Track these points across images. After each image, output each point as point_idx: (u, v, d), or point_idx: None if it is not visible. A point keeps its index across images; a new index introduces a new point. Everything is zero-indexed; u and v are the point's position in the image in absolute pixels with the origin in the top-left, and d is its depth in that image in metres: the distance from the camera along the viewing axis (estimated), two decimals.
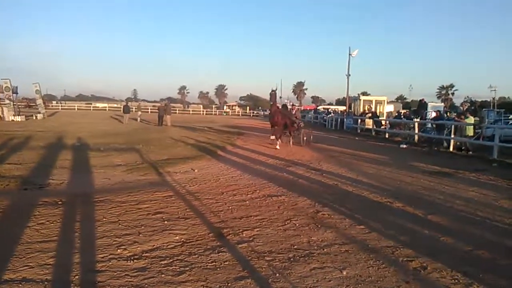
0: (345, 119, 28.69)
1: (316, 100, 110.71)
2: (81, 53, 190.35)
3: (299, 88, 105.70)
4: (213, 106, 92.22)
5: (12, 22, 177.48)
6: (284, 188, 7.20)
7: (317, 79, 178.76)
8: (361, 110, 27.74)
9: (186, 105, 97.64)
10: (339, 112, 38.68)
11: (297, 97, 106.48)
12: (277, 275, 3.49)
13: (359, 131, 25.09)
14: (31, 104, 46.07)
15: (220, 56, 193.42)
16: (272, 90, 14.78)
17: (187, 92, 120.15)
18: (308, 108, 64.17)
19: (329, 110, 46.52)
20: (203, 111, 74.01)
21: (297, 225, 5.04)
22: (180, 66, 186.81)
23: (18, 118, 27.98)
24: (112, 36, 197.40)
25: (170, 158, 10.92)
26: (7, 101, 29.17)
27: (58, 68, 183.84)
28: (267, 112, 71.67)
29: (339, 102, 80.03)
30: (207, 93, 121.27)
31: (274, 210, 5.75)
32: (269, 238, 4.50)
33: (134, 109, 40.39)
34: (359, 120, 26.17)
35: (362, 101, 28.70)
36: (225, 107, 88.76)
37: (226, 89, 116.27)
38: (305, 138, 16.00)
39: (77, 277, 3.34)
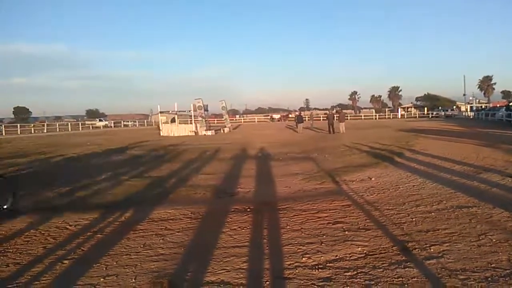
0: None
1: (507, 95, 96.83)
2: (257, 70, 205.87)
3: (486, 83, 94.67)
4: (386, 109, 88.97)
5: (200, 50, 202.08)
6: (475, 199, 6.46)
7: (508, 71, 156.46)
8: None
9: (357, 111, 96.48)
10: None
11: (484, 93, 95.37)
12: None
13: None
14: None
15: (391, 57, 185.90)
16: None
17: (358, 97, 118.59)
18: (498, 105, 56.84)
19: None
20: (375, 115, 72.11)
21: (494, 240, 4.46)
22: (350, 72, 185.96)
23: (209, 133, 31.66)
24: (283, 51, 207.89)
25: (345, 166, 10.88)
26: (199, 118, 33.31)
27: (240, 85, 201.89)
28: (449, 112, 66.55)
29: None
30: (380, 96, 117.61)
31: (465, 223, 5.20)
32: (461, 254, 4.08)
33: (307, 118, 41.69)
34: None
35: None
36: (399, 109, 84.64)
37: (400, 90, 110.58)
38: None
39: (267, 282, 3.56)
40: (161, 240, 4.93)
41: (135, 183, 9.18)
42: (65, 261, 4.27)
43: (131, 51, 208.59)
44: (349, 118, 59.11)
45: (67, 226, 5.68)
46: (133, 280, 3.72)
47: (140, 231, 5.37)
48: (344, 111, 42.93)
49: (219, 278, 3.68)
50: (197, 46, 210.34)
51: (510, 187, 7.36)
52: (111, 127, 62.39)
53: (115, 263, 4.17)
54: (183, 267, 4.02)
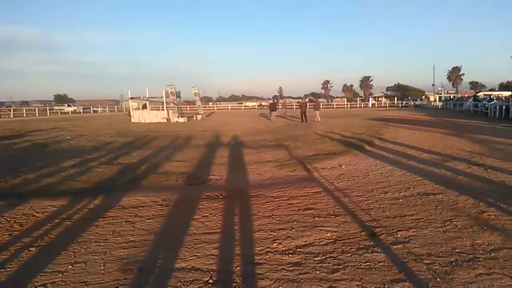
0: (510, 106, 25.28)
1: (475, 86, 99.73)
2: (232, 57, 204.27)
3: (454, 74, 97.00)
4: (358, 98, 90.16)
5: (173, 35, 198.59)
6: (441, 186, 6.66)
7: (476, 63, 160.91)
8: None
9: (329, 99, 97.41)
10: (503, 98, 34.29)
11: (452, 84, 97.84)
12: (438, 279, 3.24)
13: None
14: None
15: (363, 47, 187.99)
16: None
17: (331, 86, 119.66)
18: (466, 96, 58.45)
19: (491, 96, 41.55)
20: (347, 104, 72.93)
21: (459, 226, 4.61)
22: (323, 61, 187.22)
23: (181, 120, 31.32)
24: (258, 39, 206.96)
25: (317, 154, 10.99)
26: (172, 105, 32.92)
27: (213, 72, 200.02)
28: (418, 102, 68.01)
29: (503, 87, 71.29)
30: (351, 85, 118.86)
31: (431, 209, 5.35)
32: (427, 239, 4.20)
33: (280, 107, 41.85)
34: None
35: None
36: (370, 99, 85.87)
37: (371, 80, 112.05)
38: None
39: (238, 268, 3.58)
40: (131, 227, 4.88)
41: (104, 169, 9.02)
42: (32, 249, 4.17)
43: (101, 35, 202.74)
44: (321, 107, 59.61)
45: (34, 213, 5.54)
46: (102, 267, 3.67)
47: (110, 218, 5.29)
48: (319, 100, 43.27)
49: (189, 265, 3.68)
50: (170, 32, 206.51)
51: (475, 175, 7.61)
52: (80, 112, 60.98)
53: (83, 250, 4.10)
54: (154, 254, 3.99)
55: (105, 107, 71.07)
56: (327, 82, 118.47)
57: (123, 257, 3.90)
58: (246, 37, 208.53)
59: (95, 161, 10.38)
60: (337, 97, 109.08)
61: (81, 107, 65.99)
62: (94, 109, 67.20)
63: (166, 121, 30.68)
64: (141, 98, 36.61)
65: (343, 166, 8.85)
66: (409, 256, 3.74)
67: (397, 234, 4.39)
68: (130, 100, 36.02)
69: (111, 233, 4.67)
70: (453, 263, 3.56)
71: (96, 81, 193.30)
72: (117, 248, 4.15)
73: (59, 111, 61.11)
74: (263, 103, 75.64)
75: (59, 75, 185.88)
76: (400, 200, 5.91)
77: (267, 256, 3.85)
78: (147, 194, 6.55)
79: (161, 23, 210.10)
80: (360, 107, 68.40)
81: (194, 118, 34.52)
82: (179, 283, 3.31)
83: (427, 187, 6.70)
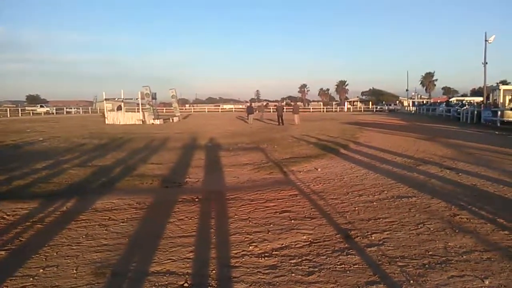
0: (482, 112, 26.02)
1: (448, 91, 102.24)
2: (210, 59, 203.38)
3: (428, 80, 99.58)
4: (334, 102, 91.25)
5: (149, 36, 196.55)
6: (415, 189, 6.80)
7: (449, 69, 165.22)
8: (501, 100, 25.00)
9: (306, 103, 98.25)
10: (475, 103, 35.27)
11: (425, 89, 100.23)
12: (411, 282, 3.30)
13: (499, 124, 22.60)
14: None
15: (340, 52, 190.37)
16: None
17: (308, 90, 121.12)
18: (438, 101, 59.84)
19: (463, 102, 42.68)
20: (323, 108, 73.71)
21: (431, 229, 4.71)
22: (300, 65, 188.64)
23: (157, 122, 30.99)
24: (236, 40, 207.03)
25: (293, 157, 11.05)
26: (147, 106, 32.52)
27: (190, 74, 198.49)
28: (393, 107, 69.26)
29: (475, 93, 73.32)
30: (328, 90, 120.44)
31: (404, 212, 5.45)
32: (401, 242, 4.28)
33: (257, 110, 41.96)
34: (499, 112, 23.54)
35: (502, 91, 25.83)
36: (346, 103, 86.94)
37: (347, 84, 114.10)
38: None
39: (214, 271, 3.56)
40: (104, 231, 4.79)
41: (78, 171, 8.84)
42: (2, 252, 4.05)
43: (75, 34, 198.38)
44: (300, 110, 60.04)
45: (4, 216, 5.39)
46: (74, 271, 3.59)
47: (83, 221, 5.18)
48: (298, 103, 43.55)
49: (164, 268, 3.63)
50: (146, 32, 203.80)
51: (447, 178, 7.79)
52: (53, 113, 59.53)
53: (55, 254, 4.00)
54: (127, 258, 3.92)
55: (79, 108, 69.79)
56: (304, 86, 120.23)
57: (96, 260, 3.82)
58: (223, 40, 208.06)
59: (68, 163, 10.16)
60: (313, 101, 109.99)
61: (54, 108, 64.39)
62: (68, 110, 65.81)
63: (141, 123, 30.30)
64: (116, 99, 36.10)
65: (319, 169, 8.92)
66: (383, 259, 3.80)
67: (371, 237, 4.45)
68: (104, 101, 35.48)
69: (84, 236, 4.58)
70: (426, 266, 3.63)
71: (70, 81, 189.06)
72: (90, 252, 4.07)
73: (31, 111, 59.61)
74: (241, 106, 75.56)
75: (31, 75, 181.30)
76: (375, 203, 6.00)
77: (243, 259, 3.84)
78: (121, 197, 6.45)
79: (137, 24, 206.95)
80: (336, 111, 69.34)
81: (171, 120, 34.20)
82: (153, 287, 3.27)
83: (401, 190, 6.82)
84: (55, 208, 5.78)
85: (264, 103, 61.76)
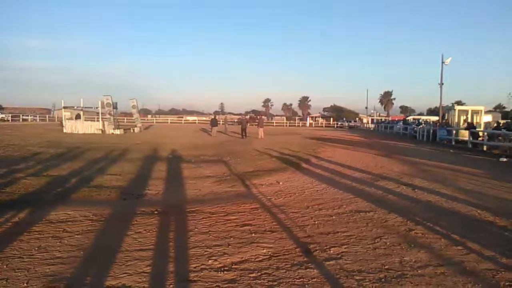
0: (437, 130, 27.11)
1: (405, 110, 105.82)
2: (173, 71, 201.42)
3: (386, 98, 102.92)
4: (296, 117, 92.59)
5: (111, 44, 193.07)
6: (372, 204, 6.96)
7: (407, 88, 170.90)
8: (456, 120, 26.17)
9: (270, 117, 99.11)
10: (431, 122, 36.70)
11: (384, 107, 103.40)
12: None
13: (453, 143, 23.59)
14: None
15: (303, 68, 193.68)
16: None
17: (271, 105, 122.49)
18: (396, 119, 61.82)
19: (420, 120, 44.29)
20: (286, 123, 74.57)
21: (388, 243, 4.83)
22: (263, 79, 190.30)
23: (117, 132, 30.28)
24: (201, 53, 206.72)
25: (256, 170, 11.11)
26: (108, 116, 31.78)
27: (153, 85, 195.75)
28: (353, 123, 70.96)
29: (431, 112, 76.40)
30: (291, 104, 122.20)
31: (362, 226, 5.57)
32: (358, 256, 4.36)
33: (221, 122, 41.91)
34: (454, 131, 24.59)
35: (457, 111, 27.06)
36: (308, 118, 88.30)
37: (310, 100, 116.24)
38: None
39: (171, 286, 3.49)
40: (58, 243, 4.62)
41: (32, 181, 8.50)
42: None
43: (32, 39, 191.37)
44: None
45: None
46: (25, 284, 3.44)
47: (36, 233, 4.98)
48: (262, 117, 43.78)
49: (120, 282, 3.54)
50: (108, 41, 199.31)
51: (404, 194, 8.03)
52: (9, 120, 57.14)
53: (5, 267, 3.83)
54: (82, 271, 3.80)
55: (36, 116, 67.23)
56: (268, 100, 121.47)
57: (49, 273, 3.68)
58: (187, 51, 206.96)
59: (22, 172, 9.75)
60: (277, 115, 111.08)
61: (10, 115, 61.90)
62: (24, 117, 63.24)
63: (101, 132, 29.52)
64: (75, 107, 35.18)
65: (280, 183, 8.99)
66: (341, 272, 3.86)
67: (330, 251, 4.51)
68: (63, 109, 34.44)
69: (36, 248, 4.40)
70: (382, 279, 3.71)
71: (27, 88, 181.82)
72: (43, 265, 3.91)
73: None
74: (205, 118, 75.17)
75: None
76: (334, 217, 6.10)
77: (202, 273, 3.80)
78: (77, 208, 6.24)
79: (98, 32, 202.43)
80: (299, 125, 70.27)
81: (131, 131, 33.52)
82: None
83: (359, 204, 6.97)
84: (7, 219, 5.53)
85: (224, 116, 61.68)
